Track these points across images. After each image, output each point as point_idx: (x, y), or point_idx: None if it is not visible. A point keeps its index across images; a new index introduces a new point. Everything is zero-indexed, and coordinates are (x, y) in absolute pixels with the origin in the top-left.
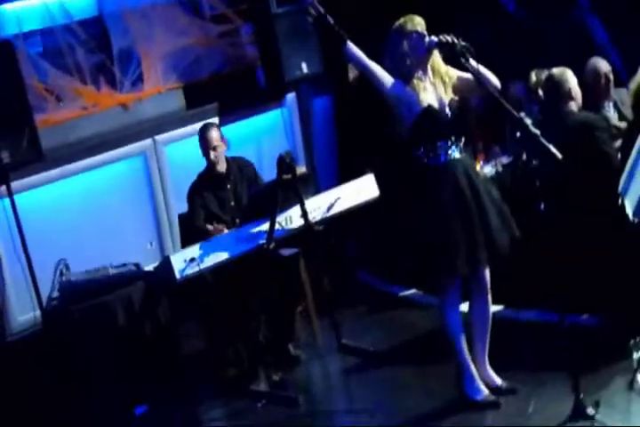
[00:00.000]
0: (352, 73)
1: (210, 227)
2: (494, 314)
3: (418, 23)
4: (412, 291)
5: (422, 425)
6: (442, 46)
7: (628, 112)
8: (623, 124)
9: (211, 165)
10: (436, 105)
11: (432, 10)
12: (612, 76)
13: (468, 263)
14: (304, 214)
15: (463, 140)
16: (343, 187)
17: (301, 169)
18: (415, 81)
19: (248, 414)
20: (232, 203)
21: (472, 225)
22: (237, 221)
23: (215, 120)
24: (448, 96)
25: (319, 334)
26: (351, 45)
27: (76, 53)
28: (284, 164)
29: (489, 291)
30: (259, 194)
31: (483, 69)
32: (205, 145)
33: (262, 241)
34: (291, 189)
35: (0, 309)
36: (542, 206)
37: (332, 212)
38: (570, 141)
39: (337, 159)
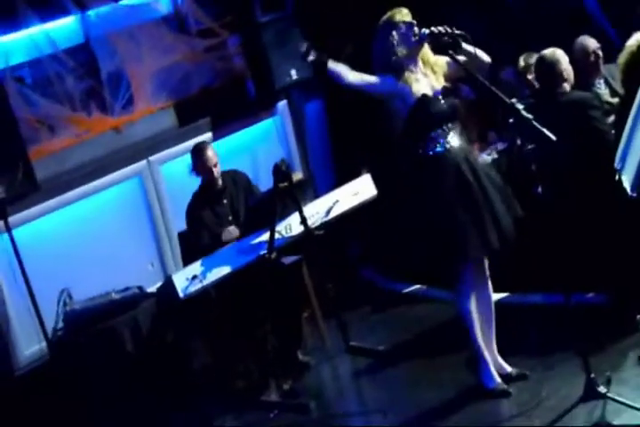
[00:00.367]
0: None
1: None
2: (499, 301)
3: (406, 14)
4: (416, 286)
5: (437, 419)
6: (434, 37)
7: (620, 87)
8: (615, 100)
9: (212, 181)
10: (430, 94)
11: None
12: (601, 53)
13: (481, 245)
14: (303, 221)
15: (459, 128)
16: (340, 189)
17: (298, 176)
18: (407, 73)
19: (261, 425)
20: (230, 217)
21: (478, 208)
22: None
23: (208, 135)
24: (440, 85)
25: (327, 337)
26: (331, 67)
27: (64, 82)
28: (280, 172)
29: (489, 278)
30: (257, 206)
31: (479, 53)
32: (206, 164)
33: (263, 252)
34: (288, 197)
35: (6, 344)
36: (540, 190)
37: (332, 215)
38: (563, 122)
39: (333, 162)
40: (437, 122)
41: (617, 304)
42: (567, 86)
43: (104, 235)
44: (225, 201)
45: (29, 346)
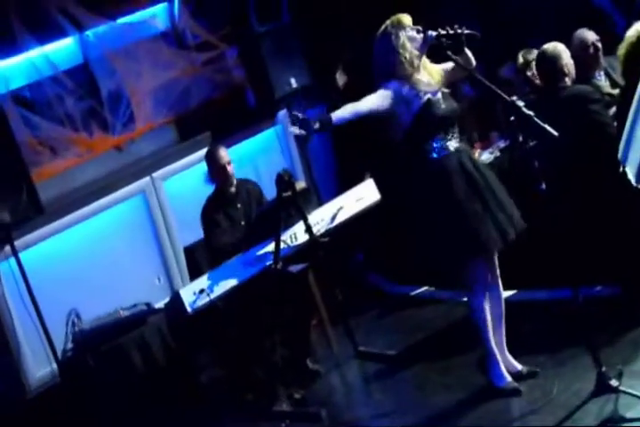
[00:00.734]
0: (341, 79)
1: None
2: (507, 299)
3: (409, 19)
4: (423, 288)
5: (449, 421)
6: (440, 39)
7: (620, 78)
8: (616, 91)
9: (226, 179)
10: (432, 98)
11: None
12: (600, 45)
13: (499, 238)
14: (308, 229)
15: (458, 130)
16: (344, 196)
17: (301, 184)
18: (414, 75)
19: None
20: (242, 222)
21: (488, 203)
22: None
23: None
24: (440, 88)
25: (335, 344)
26: (335, 120)
27: (65, 103)
28: (284, 182)
29: (499, 277)
30: (260, 216)
31: (470, 56)
32: (219, 162)
33: (269, 262)
34: (293, 206)
35: (17, 368)
36: (543, 186)
37: (336, 222)
38: (564, 117)
39: (336, 169)
40: (442, 125)
41: (626, 296)
42: (568, 81)
43: (110, 253)
44: (239, 205)
45: (40, 368)
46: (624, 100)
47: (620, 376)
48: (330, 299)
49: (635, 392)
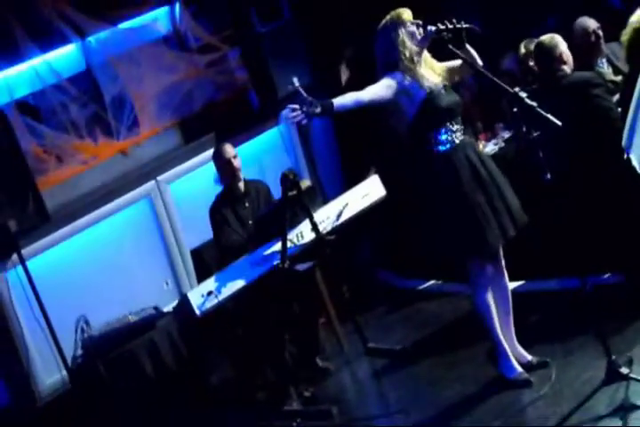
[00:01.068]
0: (344, 75)
1: None
2: (515, 290)
3: (409, 14)
4: (431, 282)
5: (460, 414)
6: (440, 34)
7: (622, 65)
8: (619, 78)
9: (233, 172)
10: (435, 90)
11: None
12: (601, 33)
13: (501, 235)
14: (314, 227)
15: (461, 122)
16: (349, 193)
17: (306, 183)
18: (416, 68)
19: None
20: (250, 221)
21: (492, 198)
22: None
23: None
24: (442, 82)
25: (344, 341)
26: (337, 106)
27: (69, 110)
28: (289, 181)
29: (504, 268)
30: (266, 216)
31: (475, 54)
32: (224, 156)
33: (277, 262)
34: (298, 205)
35: (27, 375)
36: (548, 176)
37: (342, 219)
38: (567, 104)
39: (341, 166)
40: (446, 117)
41: (634, 283)
42: (567, 69)
43: (118, 257)
44: (247, 204)
45: (50, 376)
46: (628, 87)
47: (630, 364)
48: (338, 296)
49: None
